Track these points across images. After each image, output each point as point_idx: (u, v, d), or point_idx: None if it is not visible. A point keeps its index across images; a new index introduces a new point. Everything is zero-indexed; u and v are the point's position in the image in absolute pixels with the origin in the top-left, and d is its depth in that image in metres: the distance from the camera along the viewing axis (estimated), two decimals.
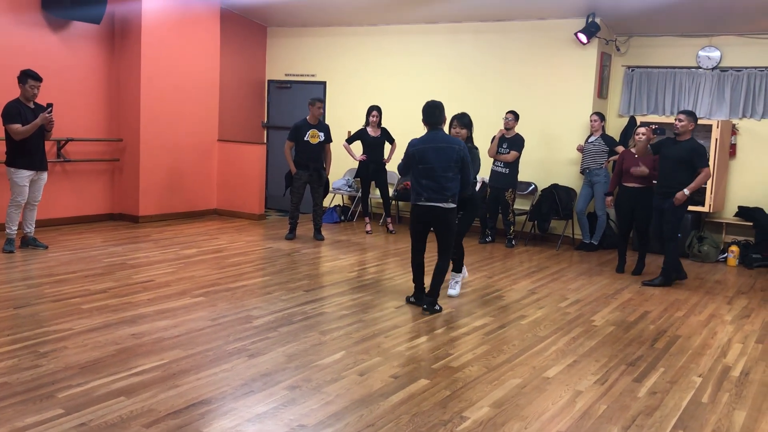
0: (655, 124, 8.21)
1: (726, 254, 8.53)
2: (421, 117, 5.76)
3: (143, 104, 9.17)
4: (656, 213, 7.19)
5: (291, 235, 8.74)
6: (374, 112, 9.27)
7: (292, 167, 8.61)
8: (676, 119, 6.98)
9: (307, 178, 8.58)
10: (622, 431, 3.57)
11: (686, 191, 6.81)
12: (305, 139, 8.52)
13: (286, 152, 8.73)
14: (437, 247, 5.73)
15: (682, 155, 6.83)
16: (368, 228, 9.58)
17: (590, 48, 9.15)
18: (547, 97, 9.49)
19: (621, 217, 7.77)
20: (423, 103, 5.88)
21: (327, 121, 10.91)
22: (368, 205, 9.71)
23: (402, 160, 5.77)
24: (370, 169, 9.33)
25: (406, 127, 9.38)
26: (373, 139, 9.29)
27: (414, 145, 5.66)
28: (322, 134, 8.62)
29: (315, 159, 8.57)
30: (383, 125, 9.44)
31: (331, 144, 8.77)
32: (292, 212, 8.74)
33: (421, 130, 5.82)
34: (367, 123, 9.32)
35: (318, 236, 8.79)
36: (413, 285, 5.90)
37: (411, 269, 5.87)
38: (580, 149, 9.08)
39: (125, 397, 3.62)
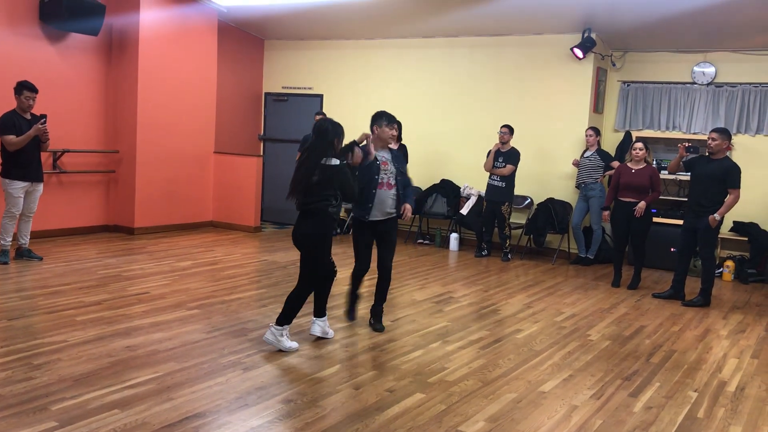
0: (688, 141, 8.16)
1: (721, 269, 8.54)
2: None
3: (140, 116, 9.18)
4: (686, 232, 7.02)
5: None
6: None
7: None
8: (709, 138, 6.84)
9: None
10: None
11: (717, 216, 6.73)
12: None
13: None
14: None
15: (715, 174, 6.74)
16: None
17: (586, 63, 9.20)
18: (543, 111, 9.53)
19: (617, 232, 7.78)
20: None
21: None
22: None
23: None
24: None
25: (402, 140, 9.43)
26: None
27: None
28: None
29: None
30: (404, 142, 9.42)
31: None
32: None
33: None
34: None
35: None
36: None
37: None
38: (576, 164, 9.11)
39: (119, 410, 3.60)
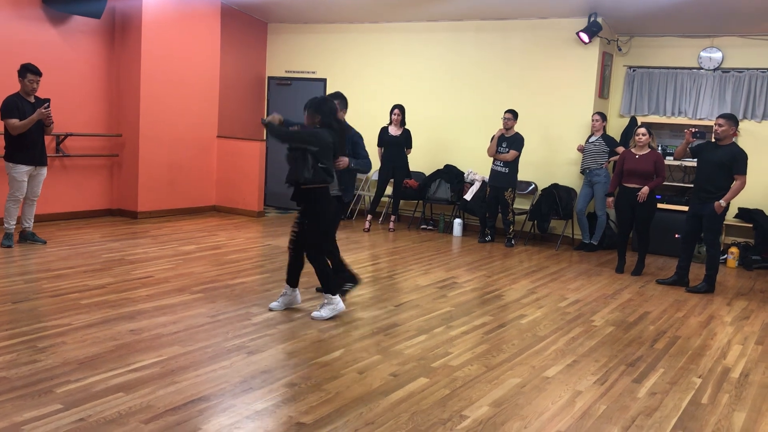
0: (695, 127, 8.12)
1: (726, 255, 8.53)
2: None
3: (143, 100, 9.15)
4: (692, 219, 7.01)
5: None
6: (396, 110, 9.37)
7: None
8: (715, 124, 6.83)
9: None
10: (622, 431, 3.57)
11: (722, 202, 6.72)
12: None
13: None
14: None
15: (722, 160, 6.71)
16: (367, 225, 9.57)
17: (592, 47, 9.14)
18: (548, 96, 9.48)
19: (621, 218, 7.76)
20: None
21: None
22: (377, 203, 9.71)
23: None
24: (389, 167, 9.38)
25: (407, 124, 9.40)
26: (391, 137, 9.33)
27: None
28: None
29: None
30: (408, 127, 9.47)
31: None
32: None
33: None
34: (390, 121, 9.38)
35: None
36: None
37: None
38: (581, 149, 9.07)
39: (124, 393, 3.61)
